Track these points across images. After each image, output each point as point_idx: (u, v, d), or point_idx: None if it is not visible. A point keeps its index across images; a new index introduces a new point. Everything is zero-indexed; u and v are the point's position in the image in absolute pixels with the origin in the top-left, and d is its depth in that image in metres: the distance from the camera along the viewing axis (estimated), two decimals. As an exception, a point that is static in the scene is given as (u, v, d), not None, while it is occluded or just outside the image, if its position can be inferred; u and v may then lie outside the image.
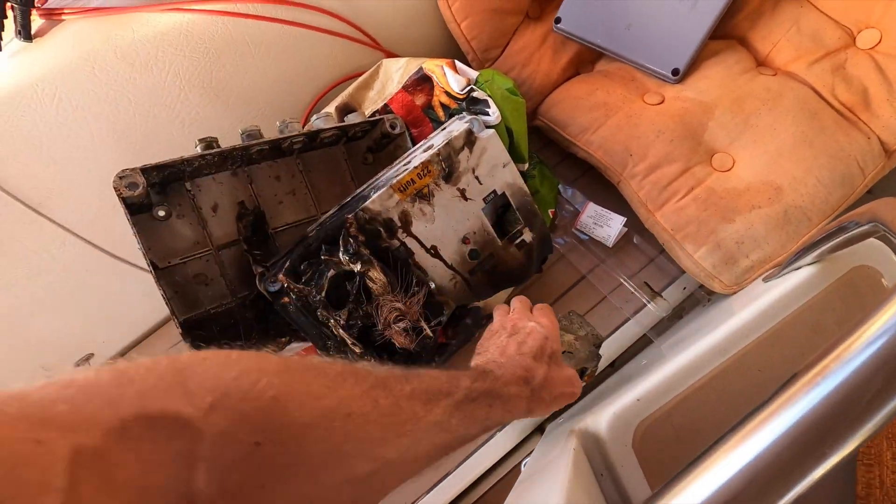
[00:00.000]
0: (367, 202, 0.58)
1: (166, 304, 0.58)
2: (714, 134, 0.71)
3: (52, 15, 0.62)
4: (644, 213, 0.72)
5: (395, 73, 0.73)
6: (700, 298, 0.74)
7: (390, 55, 0.84)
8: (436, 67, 0.69)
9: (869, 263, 0.47)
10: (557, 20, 0.82)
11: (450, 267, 0.63)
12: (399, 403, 0.28)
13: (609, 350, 0.73)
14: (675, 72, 0.75)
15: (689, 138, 0.71)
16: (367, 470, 0.26)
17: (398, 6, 0.81)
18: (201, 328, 0.63)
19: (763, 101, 0.70)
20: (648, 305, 0.72)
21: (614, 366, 0.77)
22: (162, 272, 0.61)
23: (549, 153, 0.87)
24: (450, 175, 0.61)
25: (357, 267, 0.56)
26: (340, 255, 0.56)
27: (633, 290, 0.74)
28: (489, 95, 0.67)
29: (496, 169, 0.63)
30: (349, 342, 0.59)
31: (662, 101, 0.76)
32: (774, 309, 0.50)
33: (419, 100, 0.72)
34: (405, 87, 0.72)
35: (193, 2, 0.64)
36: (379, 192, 0.58)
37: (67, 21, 0.62)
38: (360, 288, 0.58)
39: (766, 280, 0.57)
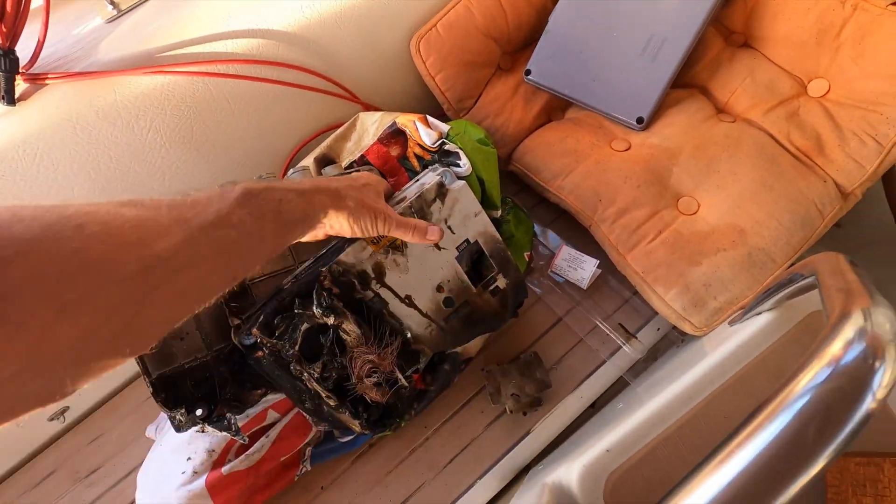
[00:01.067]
0: (341, 254, 0.59)
1: (136, 361, 0.58)
2: (679, 179, 0.74)
3: (37, 80, 0.64)
4: (616, 256, 0.73)
5: (371, 126, 0.76)
6: (674, 339, 0.75)
7: (368, 107, 0.87)
8: (408, 122, 0.72)
9: (821, 309, 0.49)
10: (528, 72, 0.86)
11: (425, 315, 0.64)
12: (159, 212, 0.30)
13: (589, 391, 0.74)
14: (639, 120, 0.79)
15: (656, 183, 0.74)
16: (136, 268, 0.27)
17: (375, 61, 0.85)
18: (175, 384, 0.62)
19: (724, 147, 0.73)
20: (624, 347, 0.73)
21: (595, 406, 0.77)
22: (136, 328, 0.61)
23: (526, 196, 0.89)
24: (422, 226, 0.63)
25: (331, 320, 0.57)
26: (314, 308, 0.57)
27: (608, 332, 0.75)
28: (460, 147, 0.70)
29: (468, 219, 0.65)
30: (323, 395, 0.59)
31: (629, 148, 0.79)
32: (739, 354, 0.51)
33: (394, 151, 0.75)
34: (380, 140, 0.74)
35: (174, 64, 0.67)
36: (352, 245, 0.59)
37: (51, 85, 0.64)
38: (333, 341, 0.58)
39: (731, 324, 0.58)
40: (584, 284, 0.77)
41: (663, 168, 0.75)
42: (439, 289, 0.64)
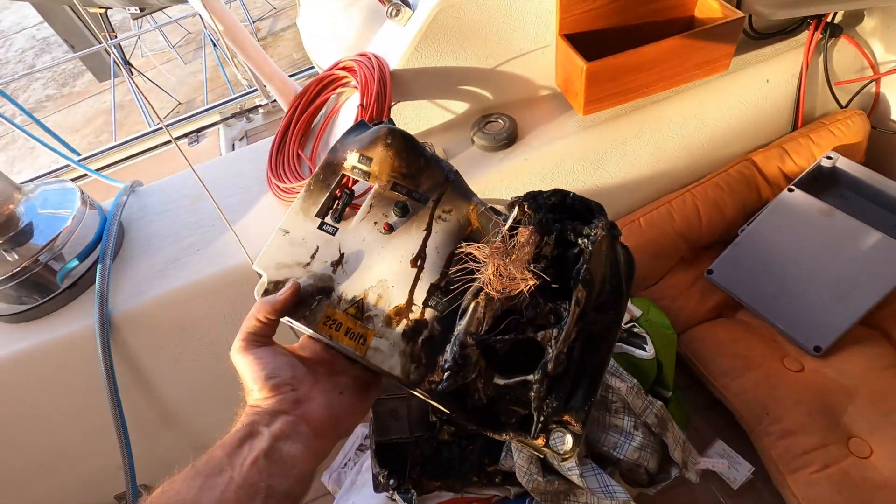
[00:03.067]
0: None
1: (370, 424, 0.77)
2: (853, 419, 0.78)
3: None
4: (774, 472, 0.78)
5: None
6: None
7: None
8: (607, 299, 0.87)
9: None
10: (710, 271, 0.98)
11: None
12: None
13: None
14: (816, 348, 0.85)
15: (827, 415, 0.78)
16: None
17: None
18: (383, 452, 0.80)
19: (906, 403, 0.76)
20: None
21: None
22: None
23: (680, 375, 0.97)
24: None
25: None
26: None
27: (753, 543, 0.77)
28: (647, 332, 0.83)
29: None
30: None
31: (802, 370, 0.85)
32: None
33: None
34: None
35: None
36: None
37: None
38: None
39: None
40: (735, 485, 0.82)
41: (837, 403, 0.79)
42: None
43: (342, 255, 0.43)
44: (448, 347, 0.38)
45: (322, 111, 1.11)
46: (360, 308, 0.41)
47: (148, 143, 1.90)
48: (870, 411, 0.77)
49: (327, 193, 0.45)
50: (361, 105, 0.86)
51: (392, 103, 0.90)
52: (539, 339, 0.36)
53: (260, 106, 2.15)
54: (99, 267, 0.87)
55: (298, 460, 0.36)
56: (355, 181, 0.46)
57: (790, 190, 0.94)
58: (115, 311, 0.85)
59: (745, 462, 0.83)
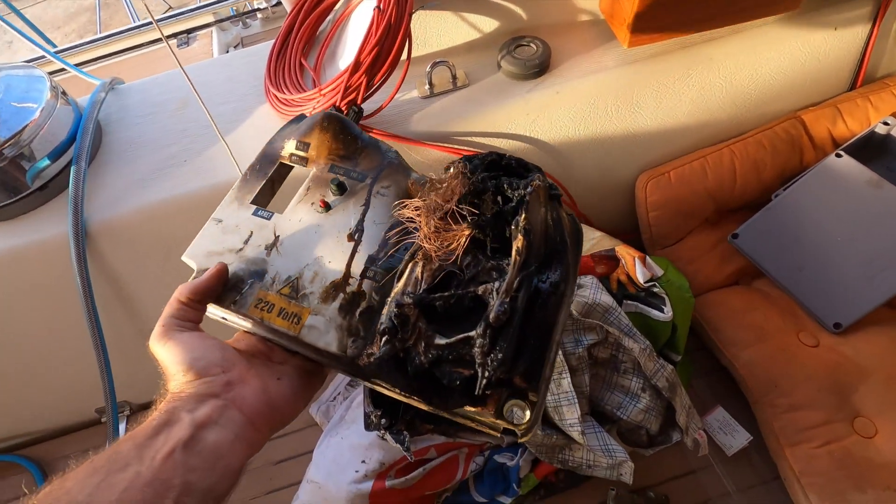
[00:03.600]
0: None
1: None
2: (863, 398, 0.76)
3: (365, 130, 0.82)
4: (773, 443, 0.77)
5: (587, 241, 0.87)
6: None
7: (580, 215, 0.98)
8: (627, 255, 0.81)
9: None
10: (735, 235, 0.92)
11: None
12: None
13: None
14: (836, 325, 0.81)
15: (837, 393, 0.76)
16: None
17: (599, 180, 0.96)
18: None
19: (921, 388, 0.74)
20: (752, 530, 0.76)
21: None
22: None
23: (689, 339, 0.94)
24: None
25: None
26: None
27: (739, 508, 0.78)
28: (667, 293, 0.78)
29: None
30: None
31: (817, 345, 0.82)
32: None
33: (600, 269, 0.84)
34: (592, 255, 0.85)
35: (455, 146, 0.83)
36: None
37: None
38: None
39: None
40: (730, 452, 0.81)
41: (848, 382, 0.77)
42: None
43: (277, 238, 0.41)
44: (385, 311, 0.36)
45: (330, 16, 0.97)
46: (294, 287, 0.39)
47: (133, 40, 1.72)
48: (882, 393, 0.75)
49: (264, 181, 0.44)
50: (378, 8, 0.75)
51: (412, 10, 0.78)
52: (480, 292, 0.34)
53: (258, 10, 1.95)
54: (73, 169, 0.78)
55: (226, 451, 0.31)
56: (291, 167, 0.46)
57: (838, 155, 0.86)
58: (90, 220, 0.77)
59: (744, 430, 0.81)
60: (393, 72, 0.76)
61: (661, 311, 0.76)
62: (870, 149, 0.89)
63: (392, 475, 0.75)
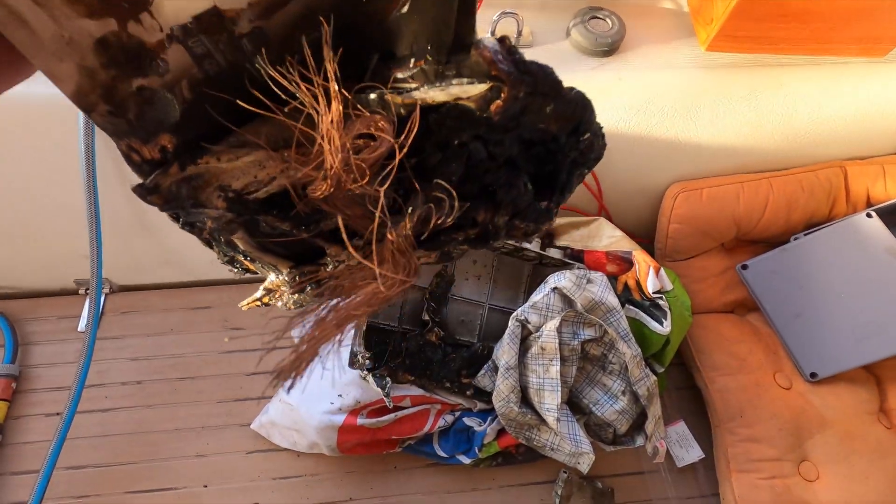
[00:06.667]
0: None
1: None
2: (815, 445, 0.80)
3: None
4: (723, 466, 0.81)
5: (605, 237, 0.86)
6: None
7: (603, 208, 0.96)
8: (643, 262, 0.81)
9: None
10: (745, 266, 0.93)
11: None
12: None
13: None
14: (813, 374, 0.85)
15: (794, 435, 0.80)
16: None
17: (629, 181, 0.94)
18: (367, 334, 0.77)
19: (872, 450, 0.78)
20: (680, 535, 0.81)
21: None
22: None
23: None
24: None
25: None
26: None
27: (674, 514, 0.83)
28: (670, 308, 0.79)
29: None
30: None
31: (790, 388, 0.85)
32: None
33: (611, 268, 0.84)
34: (607, 253, 0.84)
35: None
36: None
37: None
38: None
39: None
40: (680, 464, 0.86)
41: (808, 428, 0.81)
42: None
43: None
44: None
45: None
46: None
47: None
48: (834, 445, 0.79)
49: None
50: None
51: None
52: None
53: None
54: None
55: None
56: None
57: (868, 215, 0.86)
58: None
59: (698, 447, 0.86)
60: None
61: (661, 324, 0.77)
62: (901, 216, 0.89)
63: (364, 414, 0.77)
